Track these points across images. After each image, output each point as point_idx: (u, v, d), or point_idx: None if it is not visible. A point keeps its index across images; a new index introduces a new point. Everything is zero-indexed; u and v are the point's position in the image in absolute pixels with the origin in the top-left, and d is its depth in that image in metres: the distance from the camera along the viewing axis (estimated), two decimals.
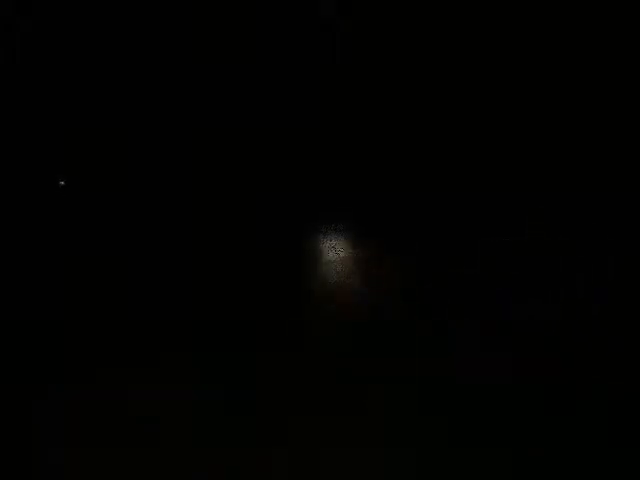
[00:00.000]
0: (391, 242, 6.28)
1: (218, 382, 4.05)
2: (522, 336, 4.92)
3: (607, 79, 5.40)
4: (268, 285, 6.10)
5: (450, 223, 6.12)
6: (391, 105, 5.85)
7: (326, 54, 5.79)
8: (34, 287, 5.85)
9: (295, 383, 4.03)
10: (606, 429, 3.48)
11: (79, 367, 4.19)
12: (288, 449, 3.25)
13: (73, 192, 6.23)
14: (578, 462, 3.15)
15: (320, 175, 6.11)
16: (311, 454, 3.20)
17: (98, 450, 3.24)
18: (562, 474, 3.06)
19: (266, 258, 6.41)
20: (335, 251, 6.42)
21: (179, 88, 6.02)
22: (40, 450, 3.14)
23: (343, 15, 5.71)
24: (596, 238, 5.60)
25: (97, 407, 3.66)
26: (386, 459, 3.18)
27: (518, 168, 5.73)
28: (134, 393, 3.88)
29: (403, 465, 3.13)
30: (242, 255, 6.46)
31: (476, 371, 4.20)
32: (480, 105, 5.72)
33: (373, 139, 5.95)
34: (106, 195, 6.35)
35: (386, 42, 5.73)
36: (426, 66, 5.71)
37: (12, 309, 5.36)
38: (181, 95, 6.05)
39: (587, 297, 5.47)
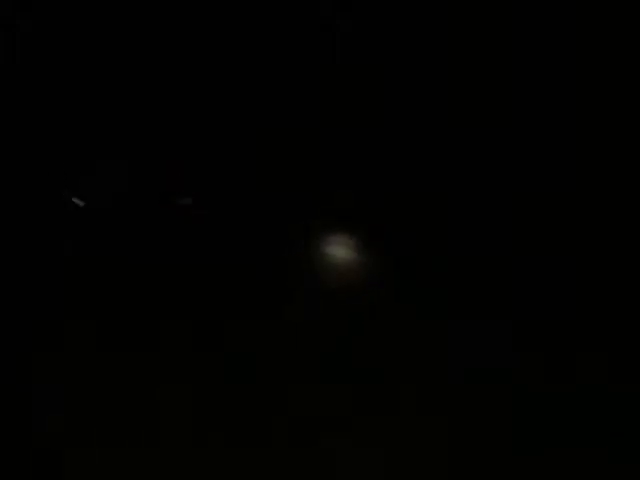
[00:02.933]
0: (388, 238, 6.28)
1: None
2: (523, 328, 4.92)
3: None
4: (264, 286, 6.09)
5: (449, 219, 6.10)
6: (390, 105, 5.85)
7: (326, 54, 5.80)
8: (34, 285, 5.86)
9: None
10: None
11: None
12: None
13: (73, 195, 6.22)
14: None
15: (319, 173, 6.10)
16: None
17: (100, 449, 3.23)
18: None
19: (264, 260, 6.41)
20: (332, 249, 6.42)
21: (178, 87, 6.02)
22: (39, 448, 3.14)
23: (343, 15, 5.71)
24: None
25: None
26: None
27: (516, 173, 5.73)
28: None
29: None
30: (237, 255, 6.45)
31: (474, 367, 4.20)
32: (484, 106, 5.71)
33: (371, 138, 5.95)
34: (103, 196, 6.34)
35: (386, 42, 5.73)
36: (426, 66, 5.71)
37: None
38: (180, 95, 6.05)
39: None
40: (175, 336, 4.87)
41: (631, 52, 5.28)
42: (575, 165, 5.54)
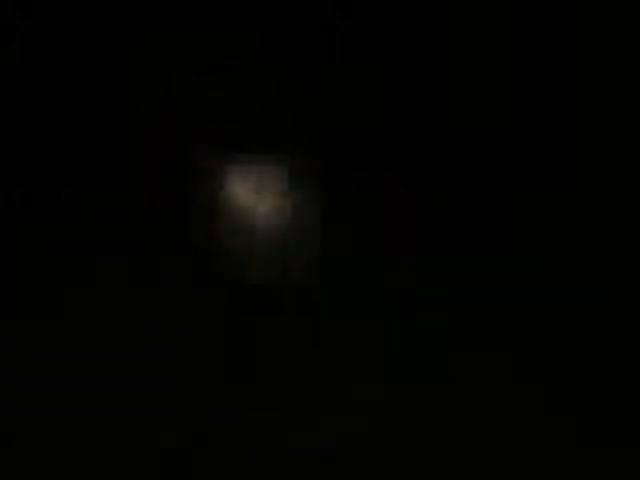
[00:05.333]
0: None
1: None
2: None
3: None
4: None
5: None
6: (390, 105, 5.86)
7: (326, 54, 5.80)
8: None
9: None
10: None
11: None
12: None
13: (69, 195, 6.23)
14: None
15: (318, 171, 6.11)
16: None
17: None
18: None
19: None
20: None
21: (179, 87, 6.03)
22: None
23: (343, 15, 5.72)
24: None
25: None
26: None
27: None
28: None
29: None
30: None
31: None
32: (484, 106, 5.71)
33: (371, 138, 5.96)
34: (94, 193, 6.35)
35: (386, 42, 5.74)
36: (426, 66, 5.72)
37: None
38: (181, 94, 6.05)
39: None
40: None
41: (631, 52, 5.29)
42: (575, 165, 5.54)
